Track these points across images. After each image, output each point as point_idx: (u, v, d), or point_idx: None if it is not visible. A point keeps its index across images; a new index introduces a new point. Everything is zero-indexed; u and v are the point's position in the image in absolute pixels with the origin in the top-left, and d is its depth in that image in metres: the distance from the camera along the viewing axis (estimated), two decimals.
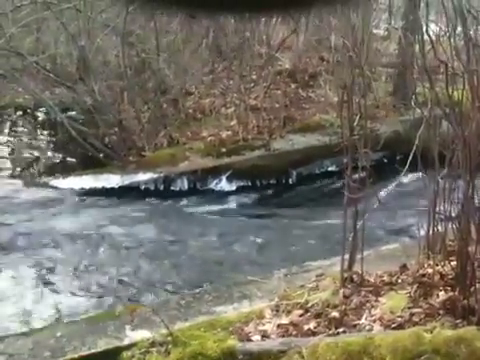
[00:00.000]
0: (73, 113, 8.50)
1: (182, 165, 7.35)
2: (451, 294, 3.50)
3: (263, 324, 3.68)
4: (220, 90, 8.49)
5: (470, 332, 3.09)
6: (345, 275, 3.84)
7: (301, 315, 3.69)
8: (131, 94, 7.93)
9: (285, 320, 3.67)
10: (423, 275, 3.76)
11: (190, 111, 8.19)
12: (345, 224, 3.92)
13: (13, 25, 7.83)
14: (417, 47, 4.94)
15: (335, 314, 3.59)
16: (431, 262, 3.79)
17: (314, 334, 3.48)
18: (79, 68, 8.34)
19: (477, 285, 3.43)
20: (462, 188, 3.63)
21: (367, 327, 3.48)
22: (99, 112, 7.76)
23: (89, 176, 7.24)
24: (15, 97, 9.16)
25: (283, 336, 3.53)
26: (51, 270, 5.47)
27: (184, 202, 7.05)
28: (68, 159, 8.43)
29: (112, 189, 7.07)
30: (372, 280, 3.86)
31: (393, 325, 3.43)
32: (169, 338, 3.48)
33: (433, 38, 4.25)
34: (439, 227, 3.88)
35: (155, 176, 7.20)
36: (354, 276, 3.85)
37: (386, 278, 3.88)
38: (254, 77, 8.35)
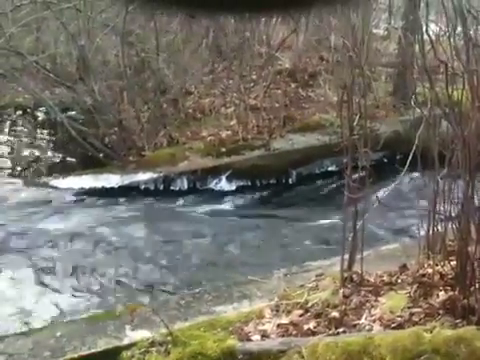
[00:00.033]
0: (73, 113, 8.50)
1: (182, 165, 7.35)
2: (451, 294, 3.50)
3: (263, 324, 3.68)
4: (220, 90, 8.49)
5: (470, 332, 3.09)
6: (345, 275, 3.84)
7: (301, 315, 3.69)
8: (131, 94, 7.93)
9: (285, 320, 3.67)
10: (423, 275, 3.76)
11: (190, 111, 8.19)
12: (345, 224, 3.92)
13: (13, 25, 7.83)
14: (417, 47, 4.94)
15: (335, 314, 3.59)
16: (431, 262, 3.79)
17: (314, 334, 3.48)
18: (79, 68, 8.34)
19: (477, 285, 3.43)
20: (462, 188, 3.63)
21: (367, 327, 3.48)
22: (99, 112, 7.76)
23: (89, 176, 7.24)
24: (15, 97, 9.15)
25: (283, 336, 3.53)
26: (50, 270, 5.47)
27: (184, 202, 7.05)
28: (68, 159, 8.43)
29: (112, 189, 7.07)
30: (372, 280, 3.86)
31: (393, 325, 3.43)
32: (169, 338, 3.48)
33: (433, 38, 4.25)
34: (439, 227, 3.88)
35: (155, 176, 7.20)
36: (354, 276, 3.85)
37: (386, 278, 3.88)
38: (254, 77, 8.35)
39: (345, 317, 3.56)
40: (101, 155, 7.58)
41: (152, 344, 3.50)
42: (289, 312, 3.73)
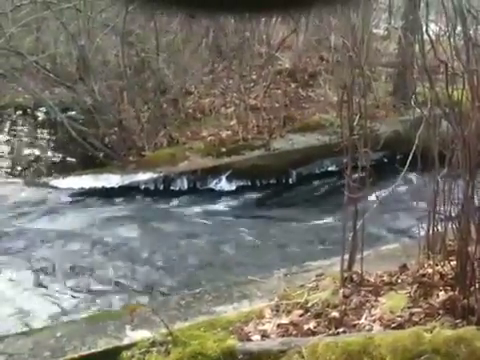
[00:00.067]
0: (73, 113, 8.50)
1: (182, 165, 7.35)
2: (451, 294, 3.50)
3: (263, 324, 3.68)
4: (220, 90, 8.49)
5: (470, 332, 3.09)
6: (345, 275, 3.84)
7: (301, 315, 3.69)
8: (131, 94, 7.93)
9: (285, 320, 3.67)
10: (423, 275, 3.76)
11: (190, 111, 8.19)
12: (345, 224, 3.92)
13: (13, 25, 7.83)
14: (417, 47, 4.94)
15: (335, 314, 3.59)
16: (431, 262, 3.79)
17: (314, 334, 3.49)
18: (79, 68, 8.34)
19: (477, 285, 3.43)
20: (462, 188, 3.63)
21: (367, 327, 3.48)
22: (99, 112, 7.76)
23: (89, 176, 7.24)
24: (15, 97, 9.15)
25: (283, 336, 3.53)
26: (50, 270, 5.47)
27: (184, 202, 7.05)
28: (68, 159, 8.43)
29: (112, 189, 7.07)
30: (372, 280, 3.86)
31: (393, 325, 3.43)
32: (169, 338, 3.48)
33: (433, 38, 4.25)
34: (439, 227, 3.88)
35: (155, 176, 7.20)
36: (354, 276, 3.85)
37: (386, 278, 3.88)
38: (254, 77, 8.35)
39: (345, 317, 3.56)
40: (101, 155, 7.58)
41: (152, 344, 3.50)
42: (289, 312, 3.74)
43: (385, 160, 7.03)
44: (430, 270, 3.74)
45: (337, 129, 5.67)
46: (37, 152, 8.54)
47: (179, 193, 7.16)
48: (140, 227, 6.40)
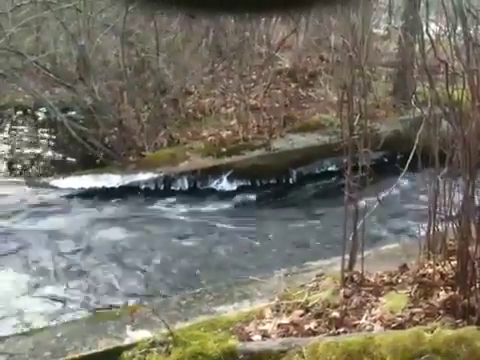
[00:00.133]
0: (73, 113, 8.50)
1: (182, 165, 7.35)
2: (451, 294, 3.50)
3: (263, 324, 3.68)
4: (220, 90, 8.49)
5: (470, 332, 3.09)
6: (345, 275, 3.84)
7: (301, 315, 3.69)
8: (131, 94, 7.93)
9: (285, 320, 3.67)
10: (423, 275, 3.76)
11: (190, 111, 8.19)
12: (345, 224, 3.92)
13: (13, 25, 7.83)
14: (417, 47, 4.94)
15: (335, 314, 3.59)
16: (431, 262, 3.79)
17: (314, 334, 3.49)
18: (79, 68, 8.34)
19: (477, 285, 3.42)
20: (462, 187, 3.63)
21: (367, 327, 3.48)
22: (99, 112, 7.76)
23: (89, 176, 7.23)
24: (15, 97, 9.15)
25: (283, 336, 3.53)
26: (50, 270, 5.46)
27: (184, 202, 7.04)
28: (68, 159, 8.43)
29: (112, 189, 7.07)
30: (372, 280, 3.86)
31: (393, 325, 3.43)
32: (169, 338, 3.48)
33: (433, 38, 4.25)
34: (439, 227, 3.88)
35: (155, 176, 7.20)
36: (354, 276, 3.85)
37: (386, 278, 3.88)
38: (254, 77, 8.35)
39: (346, 317, 3.56)
40: (101, 155, 7.58)
41: (153, 344, 3.50)
42: (290, 312, 3.74)
43: (385, 160, 7.03)
44: (430, 270, 3.74)
45: (337, 129, 5.67)
46: (37, 152, 8.54)
47: (179, 193, 7.15)
48: (140, 227, 6.40)
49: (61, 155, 8.52)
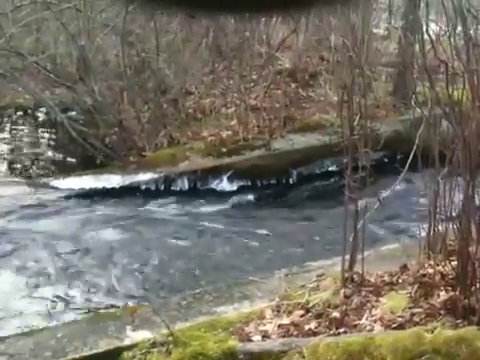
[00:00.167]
0: (73, 113, 8.50)
1: (182, 165, 7.35)
2: (452, 294, 3.50)
3: (264, 324, 3.67)
4: (220, 90, 8.49)
5: (471, 332, 3.08)
6: (346, 275, 3.84)
7: (302, 315, 3.69)
8: (131, 94, 7.93)
9: (286, 320, 3.67)
10: (424, 275, 3.75)
11: (190, 111, 8.19)
12: (345, 224, 3.92)
13: (13, 25, 7.83)
14: (417, 47, 4.94)
15: (336, 314, 3.59)
16: (432, 262, 3.79)
17: (315, 334, 3.48)
18: (79, 68, 8.34)
19: (478, 285, 3.42)
20: (462, 188, 3.63)
21: (368, 327, 3.48)
22: (99, 112, 7.76)
23: (89, 176, 7.24)
24: (15, 97, 9.15)
25: (284, 336, 3.52)
26: (50, 271, 5.47)
27: (185, 202, 7.04)
28: (68, 159, 8.43)
29: (112, 189, 7.07)
30: (373, 280, 3.86)
31: (394, 325, 3.43)
32: (170, 338, 3.48)
33: (433, 38, 4.25)
34: (440, 227, 3.88)
35: (155, 176, 7.20)
36: (355, 276, 3.85)
37: (387, 278, 3.88)
38: (254, 77, 8.35)
39: (346, 317, 3.56)
40: (101, 155, 7.58)
41: (153, 345, 3.50)
42: (290, 312, 3.73)
43: (385, 160, 7.03)
44: (431, 270, 3.74)
45: (337, 129, 5.66)
46: (37, 152, 8.54)
47: (180, 193, 7.15)
48: (140, 227, 6.40)
49: (61, 155, 8.52)
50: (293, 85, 8.56)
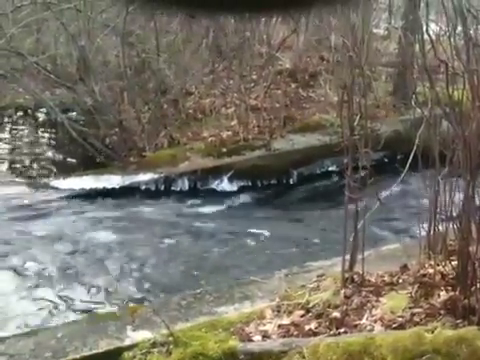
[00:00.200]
0: (73, 113, 8.51)
1: (183, 165, 7.35)
2: (452, 294, 3.50)
3: (264, 324, 3.67)
4: (220, 90, 8.49)
5: (471, 332, 3.08)
6: (346, 275, 3.84)
7: (302, 315, 3.69)
8: (131, 94, 7.93)
9: (286, 320, 3.67)
10: (424, 275, 3.76)
11: (190, 111, 8.19)
12: (346, 224, 3.92)
13: (13, 25, 7.83)
14: (417, 47, 4.94)
15: (336, 314, 3.59)
16: (432, 262, 3.79)
17: (315, 334, 3.48)
18: (79, 68, 8.34)
19: (478, 285, 3.42)
20: (463, 188, 3.63)
21: (368, 327, 3.48)
22: (99, 112, 7.76)
23: (90, 177, 7.24)
24: (16, 97, 9.16)
25: (284, 336, 3.52)
26: (50, 271, 5.46)
27: (185, 202, 7.05)
28: (68, 159, 8.43)
29: (113, 189, 7.07)
30: (373, 280, 3.86)
31: (394, 325, 3.43)
32: (170, 338, 3.48)
33: (433, 38, 4.25)
34: (440, 227, 3.88)
35: (156, 176, 7.20)
36: (355, 276, 3.85)
37: (387, 278, 3.88)
38: (254, 77, 8.35)
39: (346, 317, 3.56)
40: (102, 156, 7.58)
41: (153, 345, 3.50)
42: (290, 313, 3.73)
43: (386, 160, 7.03)
44: (431, 270, 3.74)
45: (337, 129, 5.66)
46: (37, 153, 8.54)
47: (180, 194, 7.15)
48: (141, 228, 6.40)
49: (61, 156, 8.53)
50: (293, 85, 8.56)
